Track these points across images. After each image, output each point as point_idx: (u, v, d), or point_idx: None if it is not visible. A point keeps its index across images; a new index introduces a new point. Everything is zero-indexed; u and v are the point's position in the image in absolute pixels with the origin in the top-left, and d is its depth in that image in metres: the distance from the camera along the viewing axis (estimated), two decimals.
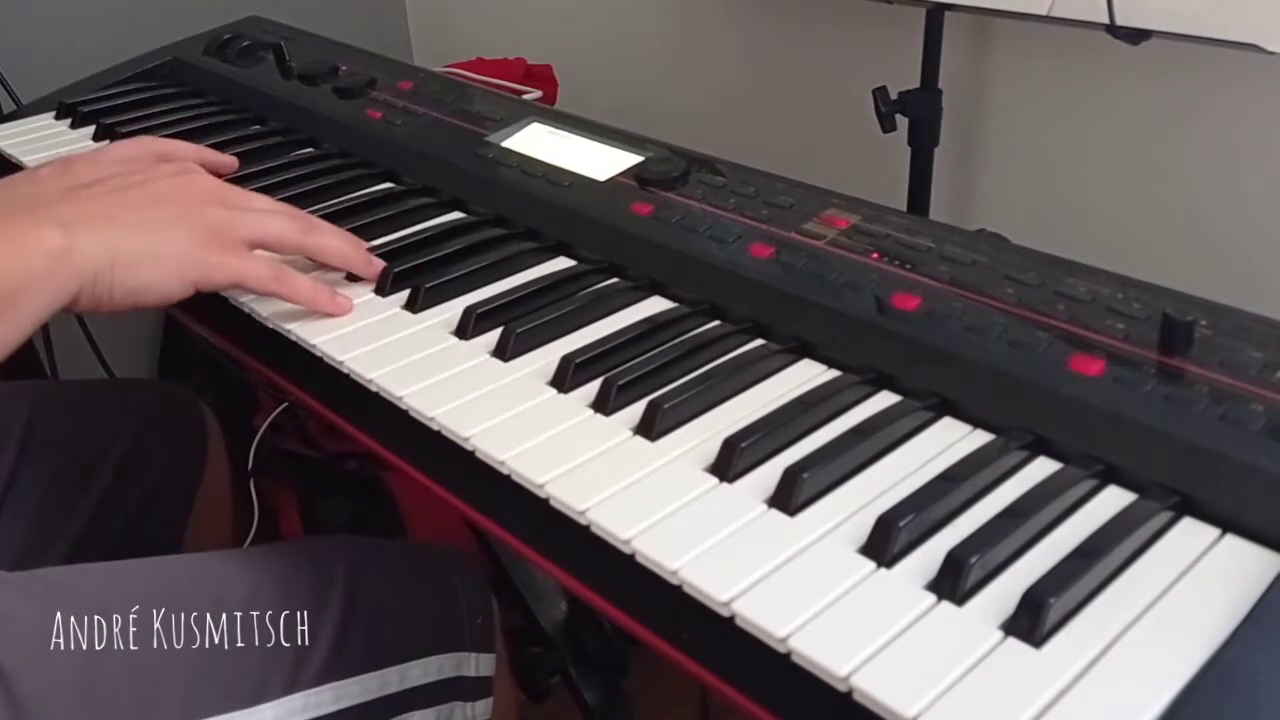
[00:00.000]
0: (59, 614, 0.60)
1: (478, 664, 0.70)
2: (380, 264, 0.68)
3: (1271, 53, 0.75)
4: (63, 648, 0.59)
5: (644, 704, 1.06)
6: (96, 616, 0.61)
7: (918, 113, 1.05)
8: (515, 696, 0.80)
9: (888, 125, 1.04)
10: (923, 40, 1.04)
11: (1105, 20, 0.82)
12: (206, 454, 0.92)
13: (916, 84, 1.05)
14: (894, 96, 1.04)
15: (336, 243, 0.67)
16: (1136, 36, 0.82)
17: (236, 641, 0.62)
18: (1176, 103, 1.01)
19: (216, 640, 0.62)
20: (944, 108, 1.06)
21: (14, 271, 0.55)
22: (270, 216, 0.65)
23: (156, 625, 0.62)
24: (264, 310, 0.65)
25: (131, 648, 0.60)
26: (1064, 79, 1.08)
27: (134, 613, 0.62)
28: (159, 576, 0.65)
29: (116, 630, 0.60)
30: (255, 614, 0.63)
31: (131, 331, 1.59)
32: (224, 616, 0.62)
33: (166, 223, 0.61)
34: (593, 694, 1.01)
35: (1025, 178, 1.15)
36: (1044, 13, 0.86)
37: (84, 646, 0.59)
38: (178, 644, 0.61)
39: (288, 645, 0.62)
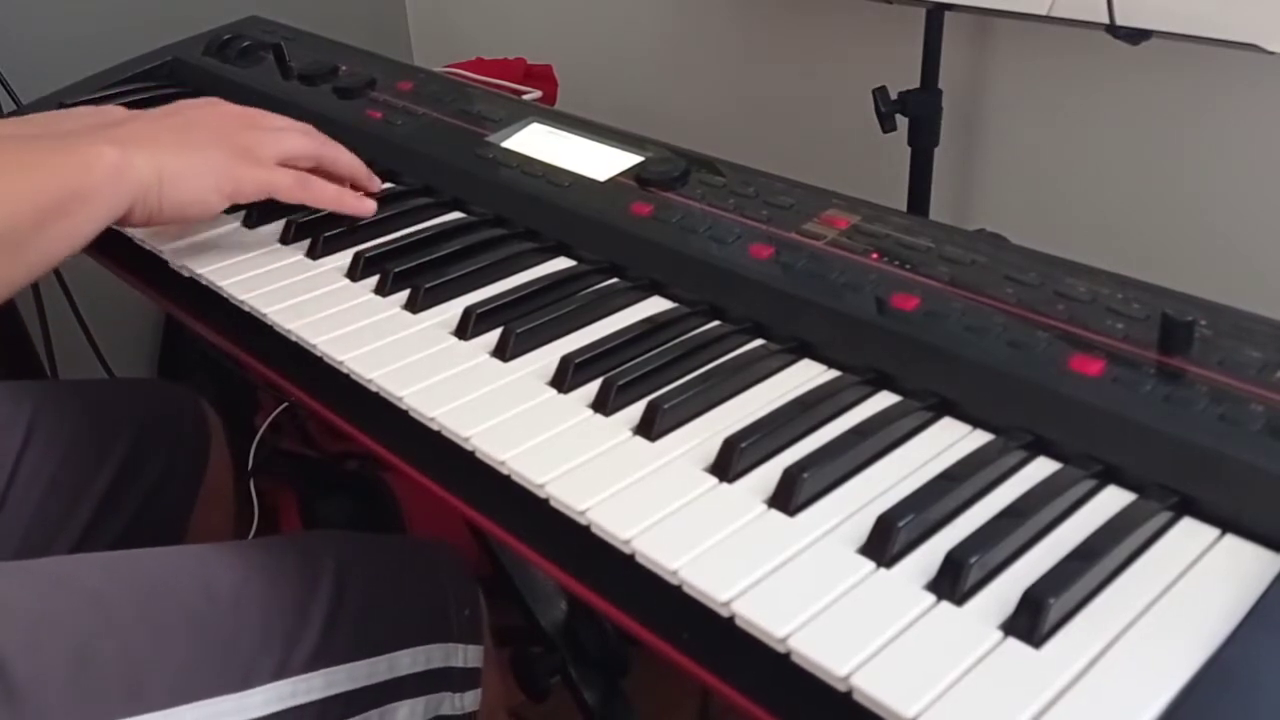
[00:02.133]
0: (52, 600, 0.61)
1: (465, 655, 0.71)
2: (379, 182, 0.78)
3: (1271, 53, 0.76)
4: (55, 633, 0.59)
5: (644, 704, 1.06)
6: (89, 602, 0.61)
7: (918, 113, 1.05)
8: (504, 689, 0.80)
9: (888, 125, 1.04)
10: (923, 40, 1.04)
11: (1105, 20, 0.82)
12: (208, 452, 0.92)
13: (916, 84, 1.05)
14: (894, 96, 1.04)
15: (347, 156, 0.77)
16: (1136, 36, 0.82)
17: (227, 628, 0.63)
18: (1176, 103, 1.01)
19: (207, 627, 0.62)
20: (944, 108, 1.06)
21: (80, 179, 0.63)
22: (291, 134, 0.74)
23: (150, 612, 0.62)
24: (266, 309, 0.65)
25: (123, 632, 0.61)
26: (1064, 79, 1.08)
27: (126, 599, 0.62)
28: (151, 566, 0.66)
29: (109, 616, 0.61)
30: (245, 602, 0.64)
31: (131, 331, 1.59)
32: (215, 604, 0.63)
33: (203, 144, 0.69)
34: (593, 694, 1.01)
35: (1025, 178, 1.15)
36: (1044, 13, 0.86)
37: (76, 632, 0.60)
38: (169, 630, 0.62)
39: (277, 632, 0.63)
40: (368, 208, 0.73)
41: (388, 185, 0.81)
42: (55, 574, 0.64)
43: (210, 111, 0.74)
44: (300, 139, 0.74)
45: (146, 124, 0.71)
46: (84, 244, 0.64)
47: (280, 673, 0.62)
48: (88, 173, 0.63)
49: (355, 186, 0.77)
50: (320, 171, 0.75)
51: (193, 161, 0.68)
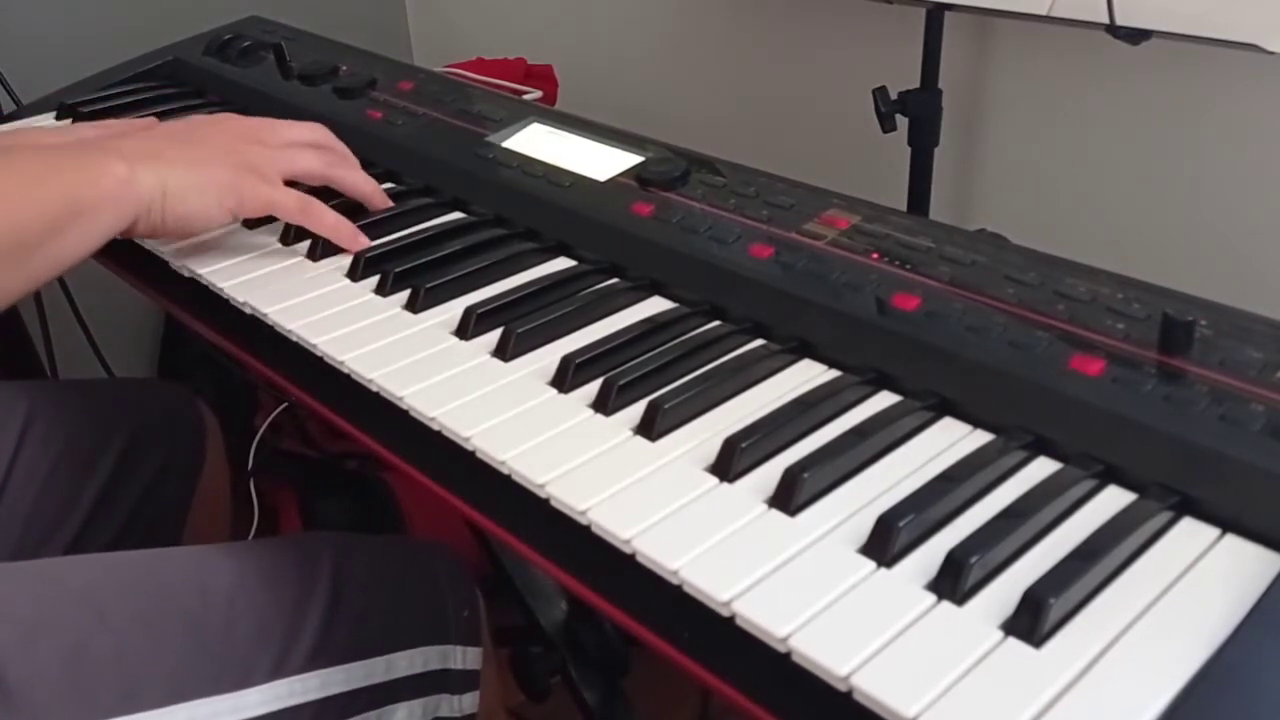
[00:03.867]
0: (47, 600, 0.61)
1: (464, 657, 0.71)
2: (388, 202, 0.76)
3: (1271, 53, 0.76)
4: (50, 634, 0.59)
5: (644, 704, 1.06)
6: (84, 603, 0.61)
7: (918, 113, 1.05)
8: (503, 690, 0.80)
9: (888, 125, 1.04)
10: (923, 40, 1.04)
11: (1105, 20, 0.82)
12: (204, 451, 0.92)
13: (916, 84, 1.05)
14: (894, 96, 1.04)
15: (356, 177, 0.76)
16: (1136, 36, 0.82)
17: (222, 628, 0.63)
18: (1176, 103, 1.01)
19: (203, 627, 0.62)
20: (944, 108, 1.06)
21: (88, 189, 0.64)
22: (300, 152, 0.74)
23: (145, 612, 0.62)
24: (266, 309, 0.65)
25: (119, 634, 0.61)
26: (1064, 79, 1.08)
27: (121, 600, 0.62)
28: (147, 566, 0.66)
29: (103, 617, 0.61)
30: (241, 602, 0.64)
31: (131, 331, 1.59)
32: (210, 604, 0.63)
33: (208, 159, 0.70)
34: (593, 694, 1.01)
35: (1025, 178, 1.15)
36: (1044, 13, 0.86)
37: (71, 632, 0.60)
38: (164, 631, 0.62)
39: (274, 633, 0.63)
40: (361, 243, 0.71)
41: (387, 185, 0.81)
42: (50, 575, 0.64)
43: (220, 127, 0.74)
44: (310, 159, 0.74)
45: (154, 139, 0.72)
46: (88, 255, 0.65)
47: (276, 673, 0.62)
48: (94, 186, 0.64)
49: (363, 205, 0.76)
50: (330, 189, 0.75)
51: (197, 177, 0.68)
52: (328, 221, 0.71)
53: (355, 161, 0.77)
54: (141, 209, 0.66)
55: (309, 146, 0.75)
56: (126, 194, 0.65)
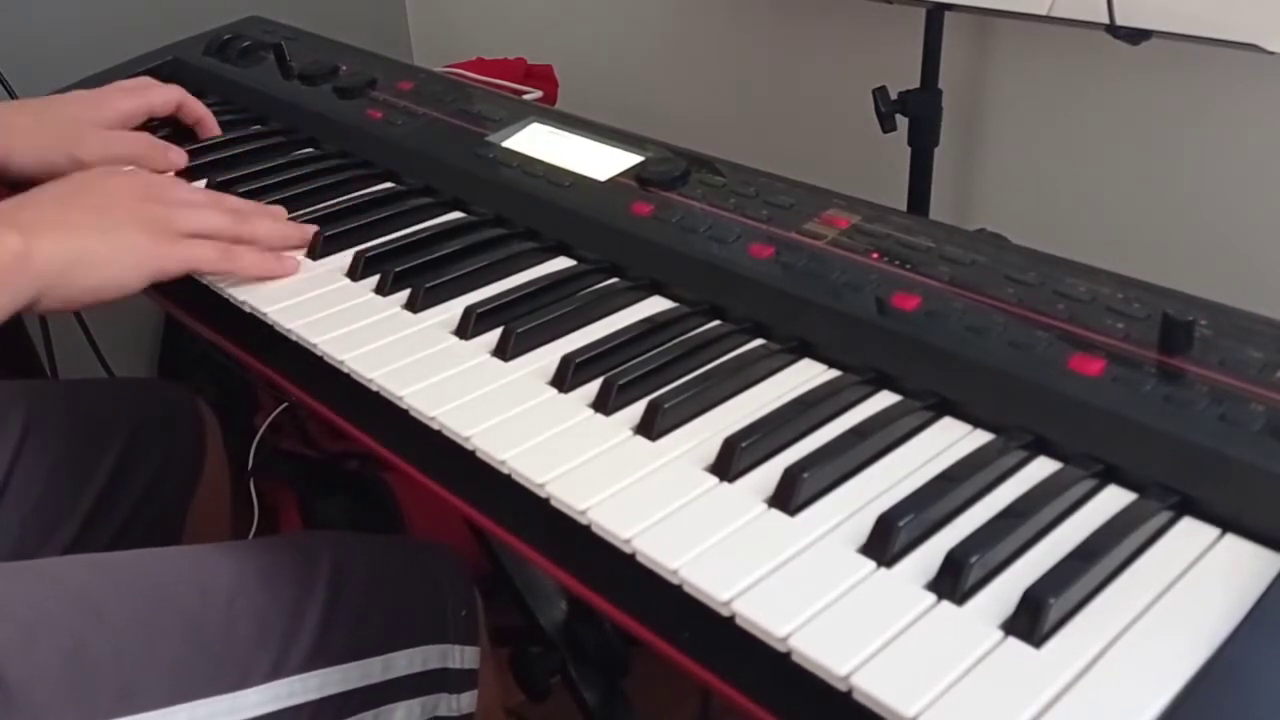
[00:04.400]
0: (46, 601, 0.61)
1: (462, 656, 0.71)
2: (311, 228, 0.72)
3: (1271, 53, 0.76)
4: (49, 634, 0.59)
5: (644, 704, 1.06)
6: (83, 603, 0.61)
7: (918, 113, 1.05)
8: (502, 690, 0.80)
9: (888, 125, 1.04)
10: (923, 40, 1.04)
11: (1105, 20, 0.82)
12: (204, 451, 0.92)
13: (916, 84, 1.05)
14: (894, 96, 1.04)
15: (267, 228, 0.71)
16: (1136, 36, 0.82)
17: (221, 628, 0.63)
18: (1176, 103, 1.01)
19: (202, 627, 0.62)
20: (944, 108, 1.06)
21: None
22: (205, 211, 0.70)
23: (144, 612, 0.62)
24: (266, 309, 0.65)
25: (118, 634, 0.61)
26: (1064, 79, 1.08)
27: (120, 600, 0.62)
28: (147, 566, 0.66)
29: (102, 617, 0.61)
30: (240, 602, 0.64)
31: (131, 331, 1.59)
32: (209, 604, 0.63)
33: (117, 221, 0.65)
34: (593, 694, 1.01)
35: (1025, 178, 1.15)
36: (1044, 13, 0.86)
37: (70, 633, 0.60)
38: (163, 631, 0.62)
39: (272, 633, 0.63)
40: (290, 269, 0.68)
41: (388, 185, 0.81)
42: (49, 575, 0.64)
43: (118, 183, 0.69)
44: (215, 217, 0.69)
45: (55, 204, 0.66)
46: None
47: (275, 673, 0.62)
48: None
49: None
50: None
51: (111, 244, 0.64)
52: (251, 263, 0.68)
53: (257, 209, 0.73)
54: (44, 284, 0.61)
55: (203, 204, 0.71)
56: (21, 273, 0.60)
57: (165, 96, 0.88)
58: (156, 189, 0.70)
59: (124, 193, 0.68)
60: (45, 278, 0.61)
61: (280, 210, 0.74)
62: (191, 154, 0.85)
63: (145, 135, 0.84)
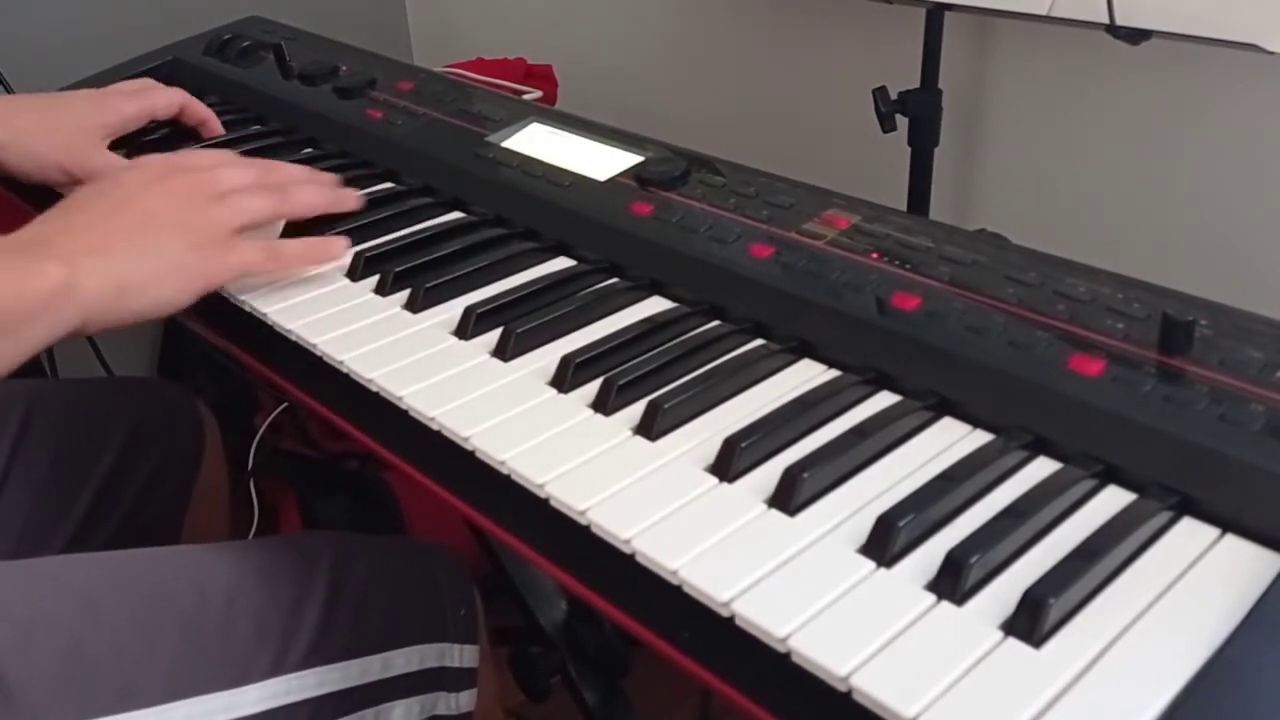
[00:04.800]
0: (44, 600, 0.61)
1: (461, 655, 0.71)
2: (354, 193, 0.72)
3: (1271, 53, 0.75)
4: (47, 634, 0.59)
5: (644, 704, 1.06)
6: (81, 602, 0.61)
7: (918, 113, 1.05)
8: (499, 691, 0.80)
9: (888, 125, 1.04)
10: (923, 40, 1.04)
11: (1105, 20, 0.82)
12: (203, 450, 0.92)
13: (916, 84, 1.05)
14: (894, 96, 1.04)
15: (310, 197, 0.71)
16: (1136, 36, 0.82)
17: (220, 626, 0.63)
18: (1176, 103, 1.01)
19: (200, 625, 0.62)
20: (944, 108, 1.06)
21: (10, 305, 0.57)
22: (246, 198, 0.67)
23: (142, 611, 0.62)
24: (266, 309, 0.65)
25: (115, 632, 0.61)
26: (1064, 79, 1.08)
27: (118, 599, 0.62)
28: (146, 565, 0.66)
29: (101, 616, 0.61)
30: (239, 600, 0.64)
31: (131, 331, 1.58)
32: (208, 603, 0.63)
33: (160, 239, 0.63)
34: (593, 694, 1.01)
35: (1025, 178, 1.15)
36: (1044, 13, 0.86)
37: (68, 632, 0.60)
38: (161, 629, 0.62)
39: (271, 630, 0.63)
40: (335, 253, 0.68)
41: (388, 185, 0.81)
42: (47, 574, 0.64)
43: (159, 191, 0.66)
44: (257, 202, 0.68)
45: (97, 226, 0.63)
46: (13, 368, 0.59)
47: (273, 670, 0.62)
48: (23, 297, 0.57)
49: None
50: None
51: (155, 266, 0.62)
52: (297, 253, 0.67)
53: (289, 175, 0.72)
54: (91, 312, 0.60)
55: (249, 186, 0.69)
56: (65, 303, 0.58)
57: (168, 100, 0.88)
58: (199, 187, 0.67)
59: (163, 204, 0.65)
60: (91, 307, 0.60)
61: (323, 175, 0.74)
62: None
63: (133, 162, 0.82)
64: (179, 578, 0.65)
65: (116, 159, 0.83)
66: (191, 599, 0.63)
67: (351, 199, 0.72)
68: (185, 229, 0.64)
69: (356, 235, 0.73)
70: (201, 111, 0.90)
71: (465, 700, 0.71)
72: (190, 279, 0.63)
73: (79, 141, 0.81)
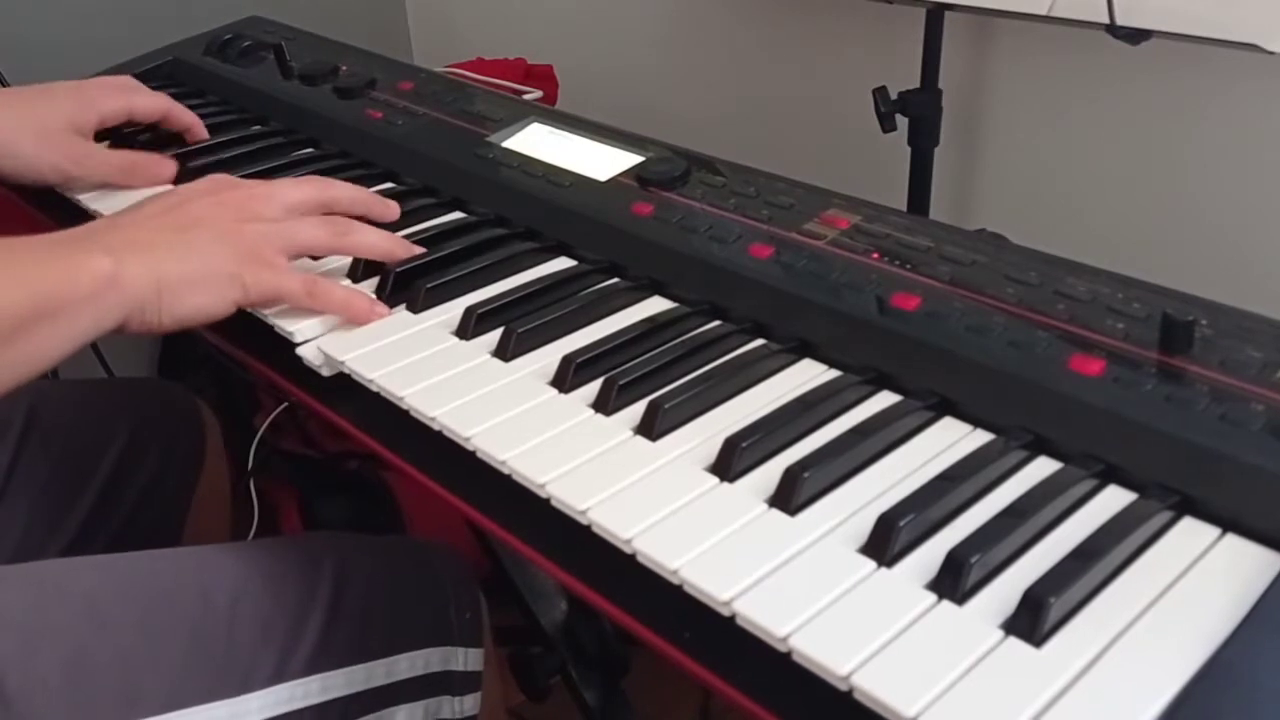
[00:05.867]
0: (46, 606, 0.61)
1: (466, 659, 0.70)
2: (418, 249, 0.69)
3: (1271, 53, 0.76)
4: (49, 640, 0.59)
5: (644, 704, 1.06)
6: (84, 608, 0.61)
7: (918, 113, 1.05)
8: (504, 692, 0.80)
9: (888, 125, 1.04)
10: (923, 40, 1.04)
11: (1105, 20, 0.82)
12: (204, 451, 0.92)
13: (916, 84, 1.05)
14: (894, 96, 1.04)
15: (372, 240, 0.68)
16: (1136, 36, 0.82)
17: (223, 632, 0.62)
18: (1176, 103, 1.01)
19: (203, 631, 0.62)
20: (944, 108, 1.06)
21: (57, 290, 0.57)
22: (302, 225, 0.66)
23: (145, 617, 0.62)
24: (266, 309, 0.65)
25: (118, 638, 0.60)
26: (1064, 79, 1.08)
27: (121, 604, 0.62)
28: (148, 570, 0.66)
29: (103, 621, 0.61)
30: (242, 605, 0.64)
31: None
32: (211, 607, 0.63)
33: (206, 246, 0.63)
34: (593, 694, 1.01)
35: (1025, 178, 1.15)
36: (1044, 13, 0.86)
37: (70, 638, 0.59)
38: (164, 635, 0.61)
39: (275, 636, 0.63)
40: (379, 314, 0.64)
41: (388, 185, 0.81)
42: (49, 579, 0.64)
43: (212, 202, 0.66)
44: (313, 230, 0.66)
45: (145, 226, 0.64)
46: (63, 358, 0.59)
47: (277, 677, 0.62)
48: (71, 284, 0.57)
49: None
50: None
51: (196, 269, 0.62)
52: (337, 297, 0.64)
53: (351, 197, 0.70)
54: (134, 308, 0.60)
55: (310, 211, 0.68)
56: (111, 294, 0.58)
57: (151, 104, 0.86)
58: (253, 205, 0.66)
59: (215, 214, 0.65)
60: (134, 301, 0.60)
61: (383, 203, 0.72)
62: (191, 154, 0.85)
63: (118, 157, 0.82)
64: (181, 581, 0.65)
65: (122, 154, 0.83)
66: (194, 603, 0.63)
67: (413, 251, 0.69)
68: (231, 238, 0.63)
69: None
70: (184, 118, 0.88)
71: (470, 704, 0.70)
72: (229, 289, 0.62)
73: (70, 139, 0.80)
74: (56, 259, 0.58)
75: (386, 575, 0.70)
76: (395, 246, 0.68)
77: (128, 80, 0.89)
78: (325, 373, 0.61)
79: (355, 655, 0.65)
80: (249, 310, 0.65)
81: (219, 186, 0.68)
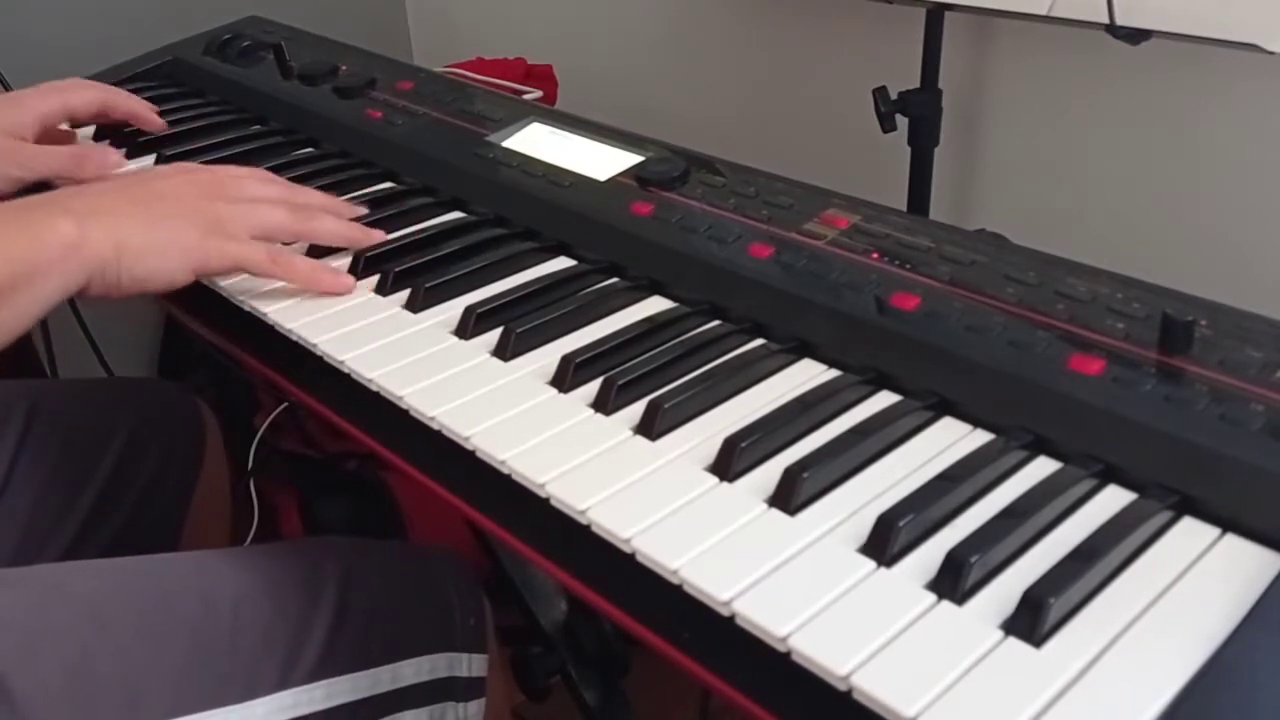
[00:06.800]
0: (49, 611, 0.61)
1: (470, 664, 0.70)
2: (379, 233, 0.71)
3: (1271, 53, 0.75)
4: (52, 646, 0.59)
5: (644, 704, 1.06)
6: (86, 613, 0.61)
7: (918, 113, 1.05)
8: (509, 697, 0.80)
9: (888, 125, 1.04)
10: (923, 40, 1.04)
11: (1105, 20, 0.82)
12: (204, 451, 0.92)
13: (916, 84, 1.05)
14: (894, 96, 1.04)
15: (332, 227, 0.71)
16: (1136, 36, 0.82)
17: (227, 638, 0.62)
18: (1176, 103, 1.01)
19: (207, 637, 0.62)
20: (944, 108, 1.06)
21: (28, 256, 0.59)
22: (267, 209, 0.69)
23: (148, 622, 0.62)
24: (266, 309, 0.65)
25: (122, 644, 0.60)
26: (1064, 79, 1.08)
27: (124, 609, 0.62)
28: (151, 574, 0.66)
29: (106, 627, 0.61)
30: (246, 610, 0.63)
31: (131, 331, 1.59)
32: (214, 613, 0.63)
33: (169, 215, 0.65)
34: (593, 694, 1.01)
35: (1025, 178, 1.15)
36: (1044, 13, 0.86)
37: (73, 644, 0.59)
38: (167, 641, 0.61)
39: (279, 643, 0.63)
40: (344, 286, 0.67)
41: (387, 185, 0.81)
42: (51, 583, 0.64)
43: (179, 180, 0.68)
44: (277, 215, 0.69)
45: (109, 194, 0.67)
46: (33, 322, 0.61)
47: (282, 683, 0.62)
48: (38, 249, 0.59)
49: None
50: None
51: (156, 235, 0.64)
52: (301, 269, 0.67)
53: (321, 202, 0.72)
54: (94, 269, 0.61)
55: (275, 201, 0.70)
56: (74, 258, 0.60)
57: (84, 98, 0.85)
58: (220, 187, 0.69)
59: (180, 189, 0.68)
60: (94, 263, 0.61)
61: (349, 208, 0.74)
62: (191, 154, 0.84)
63: (66, 150, 0.81)
64: (185, 586, 0.64)
65: (69, 147, 0.83)
66: (197, 608, 0.63)
67: (374, 237, 0.71)
68: (196, 214, 0.66)
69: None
70: (126, 106, 0.87)
71: (474, 710, 0.70)
72: (189, 254, 0.64)
73: (12, 144, 0.79)
74: (22, 226, 0.60)
75: (391, 581, 0.70)
76: (356, 233, 0.71)
77: (70, 81, 0.88)
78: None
79: (360, 661, 0.64)
80: (251, 313, 0.65)
81: (190, 169, 0.71)
